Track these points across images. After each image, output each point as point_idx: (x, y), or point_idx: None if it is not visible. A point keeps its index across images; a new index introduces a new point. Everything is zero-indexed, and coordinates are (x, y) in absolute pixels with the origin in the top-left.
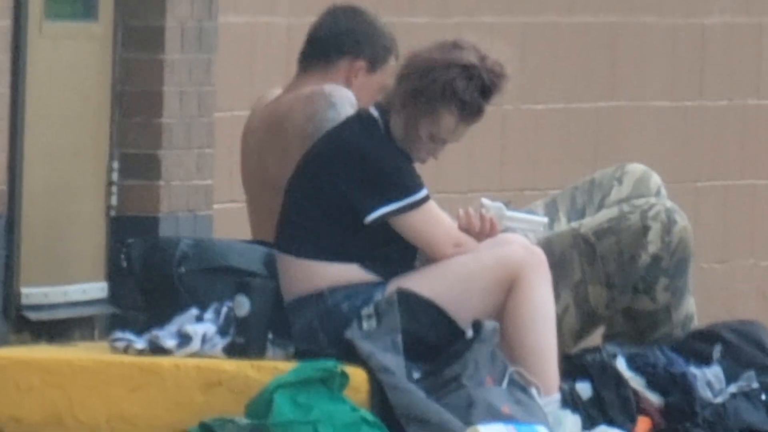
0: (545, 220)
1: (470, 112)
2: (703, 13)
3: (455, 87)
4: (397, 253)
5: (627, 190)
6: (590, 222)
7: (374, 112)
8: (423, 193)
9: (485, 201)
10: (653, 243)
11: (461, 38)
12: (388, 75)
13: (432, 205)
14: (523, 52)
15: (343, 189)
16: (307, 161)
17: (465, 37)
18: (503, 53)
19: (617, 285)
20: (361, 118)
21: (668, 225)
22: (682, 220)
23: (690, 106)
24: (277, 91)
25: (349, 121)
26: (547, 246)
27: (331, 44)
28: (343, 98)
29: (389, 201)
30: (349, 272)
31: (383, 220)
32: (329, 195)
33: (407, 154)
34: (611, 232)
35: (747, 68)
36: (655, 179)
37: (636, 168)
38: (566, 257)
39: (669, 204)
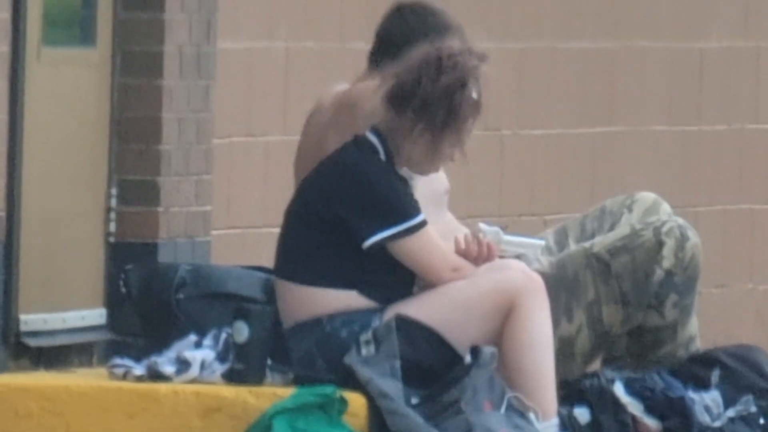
0: (542, 242)
1: (481, 107)
2: (701, 38)
3: (474, 98)
4: (396, 278)
5: (637, 218)
6: (602, 241)
7: (372, 138)
8: (420, 218)
9: (482, 225)
10: (667, 258)
11: (436, 49)
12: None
13: (429, 230)
14: (521, 78)
15: (341, 214)
16: (305, 187)
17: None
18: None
19: (632, 302)
20: (358, 143)
21: (681, 241)
22: (694, 236)
23: (688, 130)
24: (346, 85)
25: (347, 147)
26: (560, 267)
27: (401, 44)
28: None
29: (387, 226)
30: (348, 299)
31: (381, 245)
32: (327, 220)
33: (405, 179)
34: (625, 250)
35: (745, 92)
36: (665, 207)
37: (647, 196)
38: (579, 277)
39: (681, 221)
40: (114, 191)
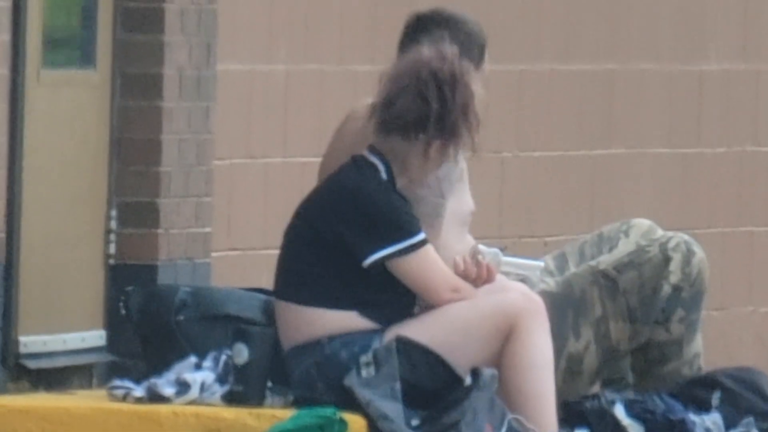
0: (541, 264)
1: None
2: (700, 60)
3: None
4: (396, 299)
5: (632, 247)
6: (608, 258)
7: (373, 158)
8: (421, 236)
9: (481, 247)
10: (674, 273)
11: (425, 65)
12: (486, 69)
13: (429, 249)
14: (520, 100)
15: (341, 232)
16: (304, 208)
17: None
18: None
19: (639, 318)
20: (358, 163)
21: (688, 256)
22: (700, 251)
23: (687, 153)
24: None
25: (346, 167)
26: (566, 285)
27: None
28: None
29: (387, 244)
30: (348, 319)
31: (381, 263)
32: (327, 239)
33: (406, 198)
34: (632, 266)
35: (744, 115)
36: (660, 232)
37: (642, 222)
38: (586, 295)
39: (686, 237)
40: (114, 213)
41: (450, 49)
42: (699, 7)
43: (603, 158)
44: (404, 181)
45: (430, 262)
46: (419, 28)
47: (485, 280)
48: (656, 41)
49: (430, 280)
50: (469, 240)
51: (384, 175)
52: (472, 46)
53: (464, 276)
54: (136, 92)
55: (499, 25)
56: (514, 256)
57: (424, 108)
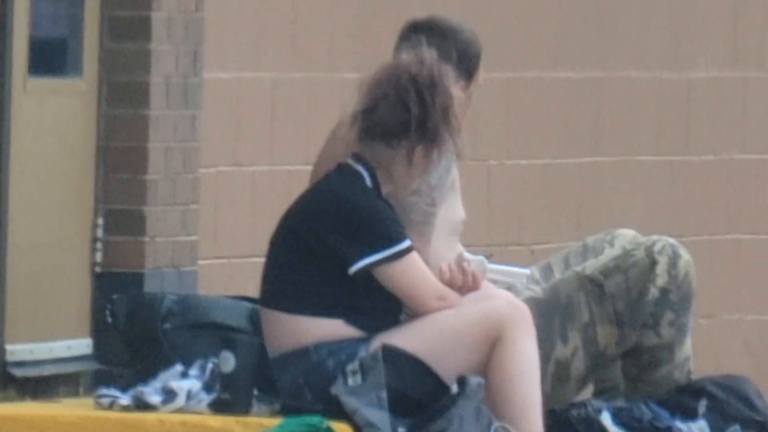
0: (527, 271)
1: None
2: (688, 68)
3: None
4: (382, 306)
5: (618, 252)
6: (594, 263)
7: (357, 166)
8: (406, 243)
9: (467, 255)
10: (661, 276)
11: (404, 70)
12: (481, 78)
13: (415, 257)
14: (508, 108)
15: (327, 240)
16: (290, 216)
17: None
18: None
19: (626, 322)
20: (342, 171)
21: (674, 259)
22: (686, 254)
23: (675, 160)
24: None
25: (331, 175)
26: (553, 291)
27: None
28: None
29: (373, 251)
30: (334, 327)
31: (367, 270)
32: (313, 247)
33: (391, 205)
34: (618, 270)
35: (732, 123)
36: (646, 239)
37: (626, 232)
38: (573, 300)
39: (671, 240)
40: (100, 221)
41: (429, 54)
42: (687, 14)
43: (591, 166)
44: (390, 188)
45: (415, 270)
46: (415, 35)
47: (471, 288)
48: (644, 49)
49: (416, 287)
50: (460, 249)
51: (369, 183)
52: (468, 55)
53: (450, 283)
54: (123, 100)
55: (488, 32)
56: (500, 263)
57: (405, 113)
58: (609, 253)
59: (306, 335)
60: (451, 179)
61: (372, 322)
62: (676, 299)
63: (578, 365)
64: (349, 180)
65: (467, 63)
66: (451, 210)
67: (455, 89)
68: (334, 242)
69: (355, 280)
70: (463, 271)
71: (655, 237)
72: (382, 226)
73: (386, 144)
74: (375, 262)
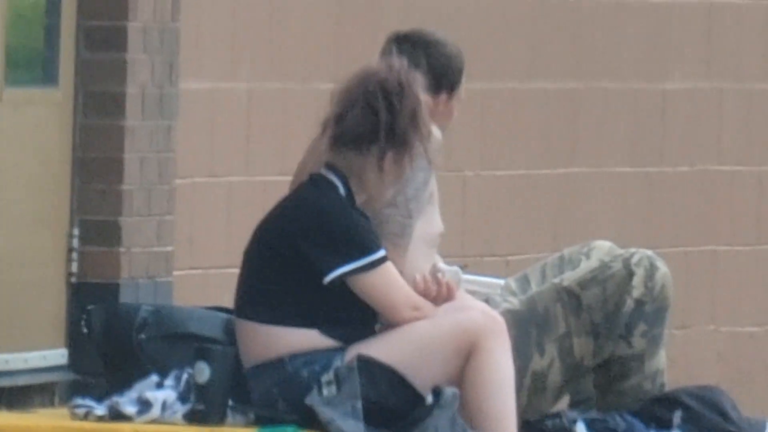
0: (502, 282)
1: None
2: (663, 79)
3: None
4: (357, 317)
5: (595, 264)
6: (572, 275)
7: (330, 176)
8: (381, 253)
9: (441, 265)
10: (637, 288)
11: (372, 76)
12: (461, 94)
13: (390, 267)
14: (484, 119)
15: (301, 250)
16: (264, 226)
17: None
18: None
19: (603, 333)
20: (315, 181)
21: (651, 271)
22: (663, 266)
23: (651, 171)
24: None
25: (304, 185)
26: (530, 303)
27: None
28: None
29: (347, 261)
30: (309, 338)
31: (342, 280)
32: (287, 257)
33: (366, 215)
34: (595, 282)
35: (708, 133)
36: (622, 251)
37: (603, 244)
38: (550, 312)
39: (649, 252)
40: (76, 231)
41: (398, 60)
42: (662, 26)
43: (566, 177)
44: (364, 197)
45: (390, 280)
46: (398, 46)
47: (445, 299)
48: (620, 60)
49: (391, 297)
50: (436, 260)
51: (342, 192)
52: (451, 69)
53: (424, 294)
54: (99, 110)
55: (463, 43)
56: (475, 274)
57: (374, 119)
58: (586, 265)
59: (281, 346)
60: (429, 192)
61: (348, 332)
62: (651, 311)
63: (555, 377)
64: (322, 189)
65: (450, 76)
66: (429, 223)
67: (426, 97)
68: (308, 252)
69: (330, 290)
70: (438, 282)
71: (633, 249)
72: (357, 235)
73: (357, 151)
74: (350, 272)
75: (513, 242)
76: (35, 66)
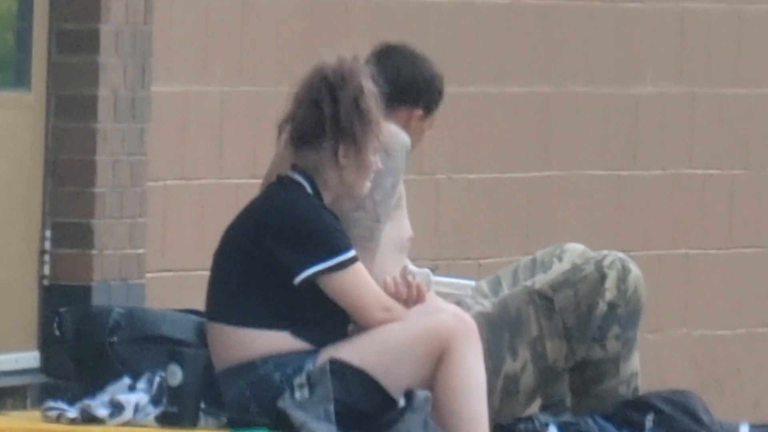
0: (472, 282)
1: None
2: (635, 83)
3: (374, 92)
4: (329, 318)
5: (567, 266)
6: (544, 278)
7: (296, 176)
8: (351, 253)
9: (411, 267)
10: (610, 291)
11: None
12: (435, 117)
13: (361, 267)
14: (455, 122)
15: (271, 251)
16: (233, 228)
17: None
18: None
19: (575, 336)
20: (283, 183)
21: (623, 273)
22: (635, 269)
23: (623, 175)
24: None
25: (272, 187)
26: (502, 305)
27: (393, 93)
28: (398, 149)
29: (318, 261)
30: (281, 340)
31: (312, 281)
32: (258, 259)
33: (335, 215)
34: (568, 285)
35: (680, 138)
36: (595, 254)
37: (575, 247)
38: (522, 315)
39: (621, 254)
40: (48, 233)
41: (350, 56)
42: (634, 30)
43: (538, 180)
44: (331, 195)
45: (361, 280)
46: (384, 57)
47: (416, 300)
48: (591, 64)
49: (361, 298)
50: (406, 263)
51: (310, 191)
52: (431, 89)
53: (395, 296)
54: (71, 113)
55: (434, 47)
56: (446, 275)
57: (319, 114)
58: (558, 268)
59: (252, 348)
60: (398, 197)
61: (319, 334)
62: (624, 314)
63: (527, 379)
64: (290, 190)
65: (428, 95)
66: (398, 227)
67: (369, 83)
68: (278, 253)
69: (300, 292)
70: (408, 284)
71: (605, 252)
72: (327, 235)
73: (311, 149)
74: (320, 272)
75: (485, 245)
76: (7, 69)
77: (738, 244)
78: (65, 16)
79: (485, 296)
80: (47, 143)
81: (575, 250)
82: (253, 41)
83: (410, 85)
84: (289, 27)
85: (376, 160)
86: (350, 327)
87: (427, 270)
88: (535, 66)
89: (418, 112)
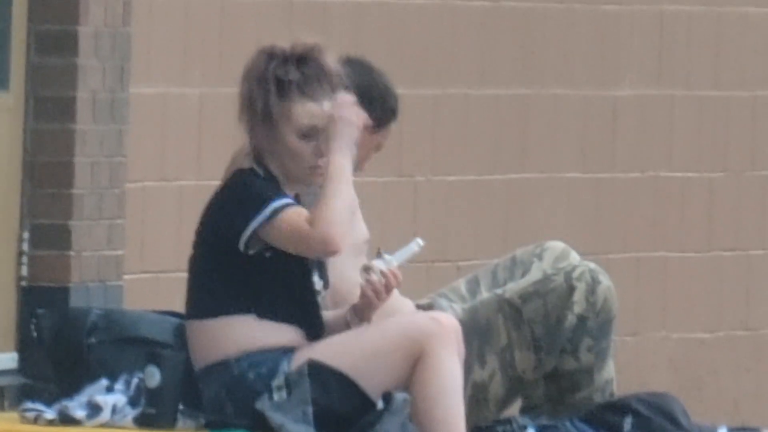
0: (419, 240)
1: (302, 87)
2: (614, 85)
3: (271, 77)
4: (287, 290)
5: (548, 265)
6: (514, 287)
7: (250, 163)
8: (285, 200)
9: (376, 262)
10: (578, 303)
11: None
12: (386, 137)
13: (295, 210)
14: (435, 124)
15: (218, 224)
16: (198, 227)
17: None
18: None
19: (544, 348)
20: (235, 172)
21: (593, 285)
22: (606, 280)
23: (601, 177)
24: None
25: (223, 181)
26: (472, 313)
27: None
28: None
29: (253, 215)
30: (248, 325)
31: (257, 241)
32: (212, 241)
33: (278, 183)
34: (537, 295)
35: (659, 140)
36: (574, 255)
37: (556, 245)
38: (491, 323)
39: (592, 265)
40: (26, 235)
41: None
42: (613, 32)
43: (517, 183)
44: (281, 177)
45: (296, 218)
46: (343, 65)
47: (396, 285)
48: (570, 67)
49: (299, 230)
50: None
51: (261, 176)
52: (385, 102)
53: (377, 291)
54: (50, 115)
55: (414, 49)
56: (395, 251)
57: (238, 99)
58: (529, 277)
59: (223, 339)
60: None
61: (282, 311)
62: (595, 326)
63: (496, 388)
64: (241, 175)
65: (381, 107)
66: (353, 231)
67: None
68: (222, 224)
69: (253, 262)
70: (383, 274)
71: (575, 262)
72: (258, 191)
73: (248, 132)
74: (259, 226)
75: (464, 248)
76: None
77: (717, 247)
78: (44, 17)
79: (462, 298)
80: (25, 145)
81: (555, 249)
82: (232, 43)
83: (364, 94)
84: (268, 29)
85: (304, 145)
86: (348, 315)
87: (385, 255)
88: (514, 68)
89: (368, 125)
